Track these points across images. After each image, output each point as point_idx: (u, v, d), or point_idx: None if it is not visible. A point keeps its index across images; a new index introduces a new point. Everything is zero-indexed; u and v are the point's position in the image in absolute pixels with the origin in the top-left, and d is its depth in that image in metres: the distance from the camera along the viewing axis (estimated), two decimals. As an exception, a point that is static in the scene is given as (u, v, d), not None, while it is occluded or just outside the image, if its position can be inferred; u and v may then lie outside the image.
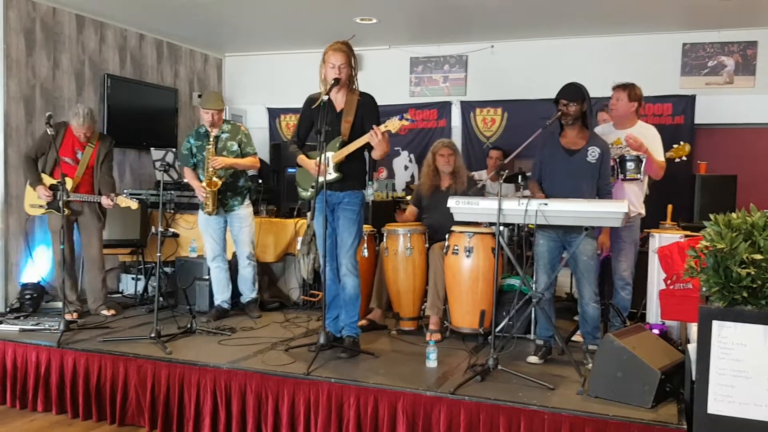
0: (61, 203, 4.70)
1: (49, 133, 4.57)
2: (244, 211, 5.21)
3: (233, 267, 5.36)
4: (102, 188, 5.10)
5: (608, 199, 4.03)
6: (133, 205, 4.92)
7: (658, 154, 4.50)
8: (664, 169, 4.56)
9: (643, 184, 4.52)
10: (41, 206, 5.06)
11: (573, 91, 4.03)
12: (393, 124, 3.91)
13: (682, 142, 4.78)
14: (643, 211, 4.53)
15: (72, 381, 4.16)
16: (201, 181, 5.03)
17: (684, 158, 4.75)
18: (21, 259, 5.67)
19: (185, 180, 5.87)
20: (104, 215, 5.27)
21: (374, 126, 3.91)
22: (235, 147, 5.09)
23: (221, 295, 5.29)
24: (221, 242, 5.22)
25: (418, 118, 7.43)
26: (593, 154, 4.02)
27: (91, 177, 5.12)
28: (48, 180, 5.02)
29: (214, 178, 4.94)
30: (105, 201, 4.97)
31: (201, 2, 5.92)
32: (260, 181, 5.90)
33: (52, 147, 4.92)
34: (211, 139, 4.98)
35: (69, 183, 4.95)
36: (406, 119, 3.91)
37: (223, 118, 5.12)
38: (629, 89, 4.57)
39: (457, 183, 5.02)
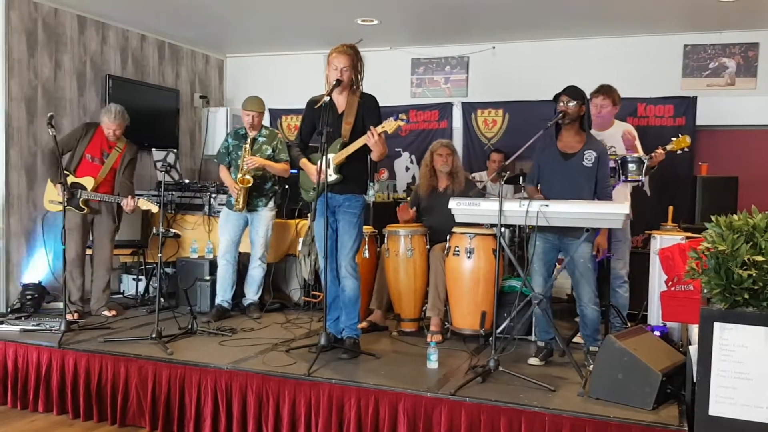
0: (78, 202, 4.93)
1: (50, 133, 4.59)
2: (266, 213, 5.31)
3: (242, 267, 5.40)
4: (121, 192, 5.19)
5: (609, 201, 4.03)
6: (154, 208, 4.99)
7: (640, 150, 4.56)
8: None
9: (628, 184, 4.54)
10: (60, 203, 5.08)
11: (574, 90, 4.03)
12: (389, 125, 3.91)
13: (681, 135, 4.79)
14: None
15: (73, 381, 4.16)
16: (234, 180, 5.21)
17: (686, 149, 4.76)
18: (23, 259, 5.67)
19: (189, 181, 5.90)
20: (119, 218, 5.34)
21: (371, 127, 3.91)
22: (269, 152, 5.25)
23: (223, 293, 5.30)
24: (236, 240, 5.29)
25: (420, 119, 7.43)
26: (589, 158, 4.01)
27: (113, 179, 5.24)
28: (70, 178, 5.07)
29: (247, 176, 5.09)
30: (126, 202, 5.04)
31: (202, 3, 5.93)
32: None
33: (78, 144, 5.12)
34: (248, 140, 5.19)
35: (90, 182, 5.09)
36: (401, 119, 3.92)
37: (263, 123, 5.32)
38: (612, 95, 4.62)
39: (455, 184, 5.02)
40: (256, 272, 5.36)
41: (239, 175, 5.13)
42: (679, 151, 4.82)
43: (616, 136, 4.62)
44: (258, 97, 5.31)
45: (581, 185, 4.01)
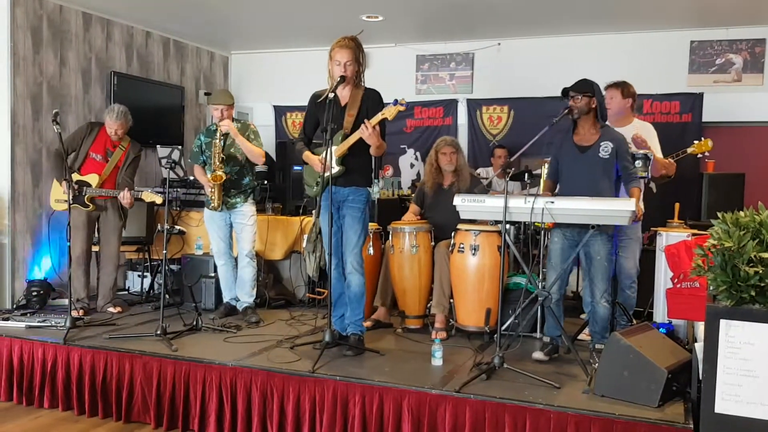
0: (83, 199, 4.92)
1: (55, 130, 4.59)
2: (247, 208, 5.15)
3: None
4: (120, 187, 5.20)
5: (615, 197, 4.01)
6: (158, 199, 4.98)
7: (657, 150, 4.51)
8: (665, 167, 4.56)
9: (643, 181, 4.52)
10: (65, 201, 5.10)
11: (582, 84, 4.02)
12: (389, 111, 3.87)
13: (703, 138, 4.76)
14: (642, 208, 4.53)
15: (78, 378, 4.17)
16: None
17: (707, 153, 4.74)
18: (29, 255, 5.69)
19: (191, 177, 5.90)
20: (125, 215, 5.35)
21: (365, 120, 3.89)
22: None
23: (230, 293, 5.27)
24: (226, 240, 5.21)
25: (424, 116, 7.42)
26: (605, 149, 3.99)
27: (116, 177, 5.26)
28: (74, 176, 5.09)
29: (219, 172, 4.94)
30: (122, 195, 5.05)
31: (207, 0, 5.92)
32: (266, 181, 5.88)
33: (82, 143, 5.16)
34: (224, 137, 5.02)
35: (95, 179, 5.13)
36: (401, 104, 3.87)
37: (233, 116, 5.15)
38: (622, 87, 4.59)
39: (460, 181, 5.00)
40: (245, 272, 5.14)
41: (211, 172, 4.98)
42: (699, 155, 4.80)
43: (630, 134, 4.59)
44: (226, 90, 5.23)
45: (599, 177, 3.99)
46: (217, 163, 4.95)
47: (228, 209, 5.11)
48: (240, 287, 5.20)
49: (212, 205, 5.03)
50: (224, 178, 4.95)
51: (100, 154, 5.21)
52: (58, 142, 4.76)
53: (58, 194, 5.25)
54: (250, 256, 5.18)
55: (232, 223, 5.19)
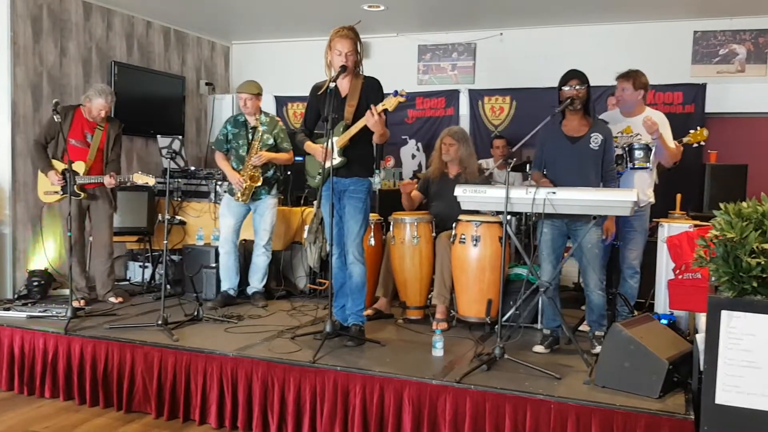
0: (73, 188, 4.76)
1: (56, 120, 4.56)
2: (270, 200, 5.27)
3: (246, 254, 5.38)
4: (108, 171, 5.09)
5: (617, 188, 4.00)
6: (150, 180, 4.93)
7: (669, 140, 4.47)
8: (675, 157, 4.52)
9: (653, 172, 4.48)
10: (56, 192, 5.05)
11: (582, 74, 4.01)
12: (389, 102, 3.87)
13: (699, 128, 4.73)
14: (653, 200, 4.50)
15: (79, 368, 4.17)
16: (235, 169, 5.14)
17: (702, 143, 4.71)
18: (29, 246, 5.69)
19: (195, 168, 5.89)
20: (115, 201, 5.28)
21: (371, 106, 3.87)
22: (271, 141, 5.19)
23: (228, 282, 5.29)
24: (237, 228, 5.26)
25: (426, 107, 7.39)
26: (596, 140, 3.99)
27: (102, 160, 5.13)
28: (59, 165, 5.02)
29: (256, 174, 5.07)
30: (107, 180, 4.95)
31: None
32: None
33: (60, 132, 4.93)
34: (253, 132, 5.11)
35: (81, 166, 4.99)
36: (401, 95, 3.86)
37: (260, 108, 5.20)
38: (633, 78, 4.49)
39: (467, 172, 4.98)
40: (260, 260, 5.32)
41: (248, 172, 5.06)
42: (695, 145, 4.78)
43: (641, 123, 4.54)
44: (253, 81, 5.21)
45: (589, 168, 3.99)
46: (252, 164, 5.07)
47: (252, 200, 5.20)
48: (253, 273, 5.35)
49: (242, 199, 5.12)
50: (260, 181, 5.09)
51: (79, 139, 5.03)
52: (37, 136, 4.70)
53: (45, 186, 5.09)
54: (267, 247, 5.31)
55: (252, 213, 5.26)
